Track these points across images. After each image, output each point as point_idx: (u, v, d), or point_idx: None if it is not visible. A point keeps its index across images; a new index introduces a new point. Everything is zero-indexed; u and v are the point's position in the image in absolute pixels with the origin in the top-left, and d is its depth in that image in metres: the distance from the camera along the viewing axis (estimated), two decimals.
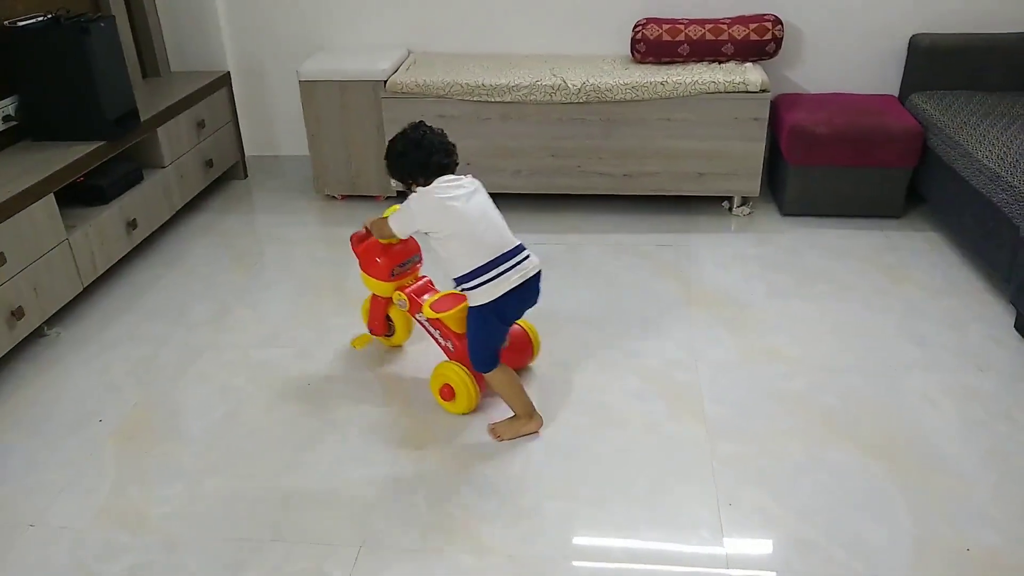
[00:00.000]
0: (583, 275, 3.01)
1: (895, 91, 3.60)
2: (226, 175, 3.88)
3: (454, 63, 3.52)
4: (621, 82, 3.21)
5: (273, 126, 4.06)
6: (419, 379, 2.43)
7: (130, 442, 2.22)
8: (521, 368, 2.43)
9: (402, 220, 2.20)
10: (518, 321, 2.31)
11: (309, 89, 3.44)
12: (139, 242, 3.13)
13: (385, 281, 2.38)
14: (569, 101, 3.25)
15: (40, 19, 2.82)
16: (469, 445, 2.17)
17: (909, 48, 3.48)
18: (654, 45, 3.36)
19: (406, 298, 2.36)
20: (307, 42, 3.83)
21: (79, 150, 2.81)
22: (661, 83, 3.19)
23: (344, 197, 3.68)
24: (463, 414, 2.28)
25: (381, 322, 2.54)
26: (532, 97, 3.26)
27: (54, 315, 2.69)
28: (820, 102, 3.41)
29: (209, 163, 3.63)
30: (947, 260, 3.04)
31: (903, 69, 3.55)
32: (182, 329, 2.75)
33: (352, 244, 2.42)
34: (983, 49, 3.34)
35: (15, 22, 2.78)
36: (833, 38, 3.54)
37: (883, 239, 3.20)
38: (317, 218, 3.53)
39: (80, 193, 2.90)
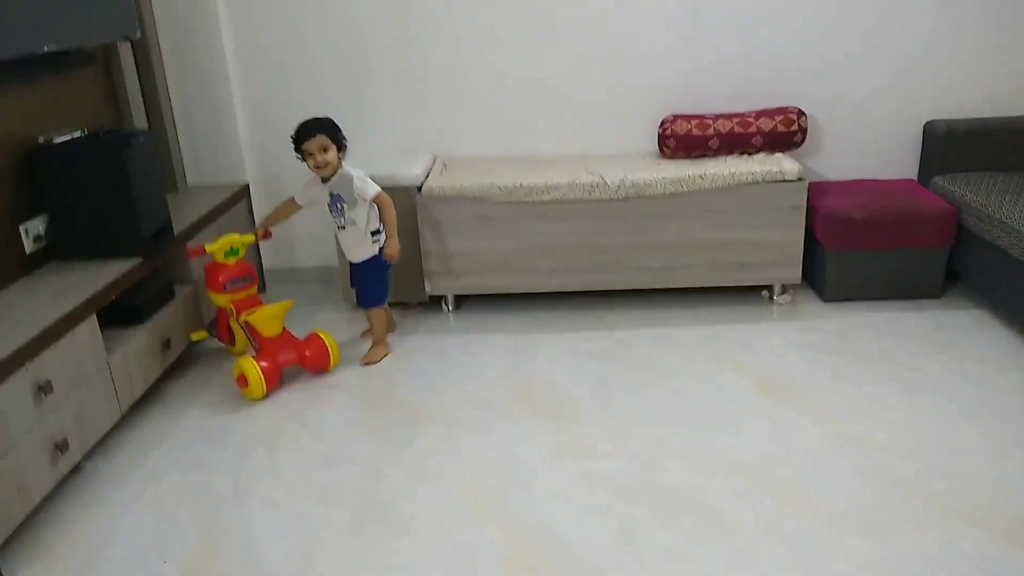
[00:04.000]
0: (641, 370, 2.93)
1: (913, 175, 3.70)
2: None
3: (485, 166, 3.52)
4: (660, 176, 3.23)
5: (291, 237, 3.96)
6: (512, 503, 2.29)
7: None
8: (322, 371, 3.03)
9: (372, 183, 2.93)
10: (320, 333, 3.00)
11: None
12: (172, 361, 2.96)
13: (219, 293, 2.97)
14: (608, 198, 3.25)
15: (77, 135, 2.73)
16: (585, 564, 2.01)
17: (924, 133, 3.60)
18: (684, 140, 3.41)
19: (232, 308, 2.98)
20: None
21: (117, 268, 2.67)
22: (700, 176, 3.22)
23: None
24: (256, 399, 2.83)
25: (225, 330, 3.13)
26: (571, 195, 3.25)
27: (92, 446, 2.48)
28: (847, 188, 3.48)
29: None
30: (1000, 336, 3.04)
31: (920, 154, 3.66)
32: (230, 453, 2.56)
33: (187, 254, 3.02)
34: (998, 132, 3.47)
35: (50, 139, 2.68)
36: (848, 126, 3.64)
37: (929, 319, 3.21)
38: (349, 329, 3.39)
39: (114, 313, 2.74)
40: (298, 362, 2.94)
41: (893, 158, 3.70)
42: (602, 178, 3.25)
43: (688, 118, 3.45)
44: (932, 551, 1.97)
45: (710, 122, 3.42)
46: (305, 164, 2.93)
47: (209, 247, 2.94)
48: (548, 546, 2.06)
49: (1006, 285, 3.03)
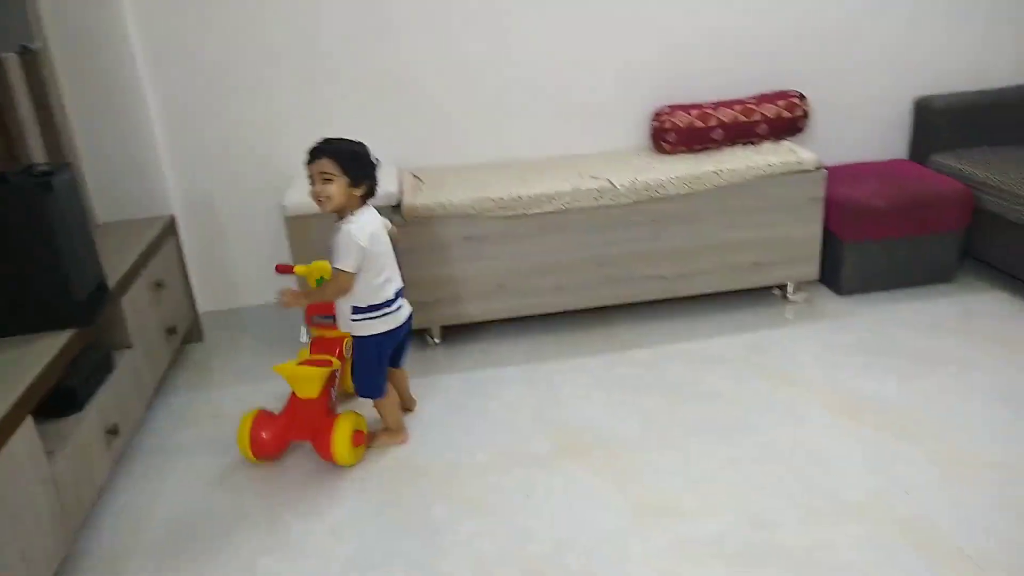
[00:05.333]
0: (686, 398, 2.58)
1: (903, 154, 3.54)
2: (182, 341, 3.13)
3: (467, 176, 3.06)
4: (672, 176, 2.89)
5: (230, 273, 3.36)
6: None
7: None
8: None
9: (350, 256, 2.16)
10: (345, 419, 2.34)
11: (299, 226, 2.82)
12: (121, 452, 2.35)
13: (307, 323, 2.55)
14: (617, 204, 2.87)
15: None
16: None
17: (916, 110, 3.44)
18: (686, 133, 3.08)
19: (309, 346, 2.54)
20: (265, 173, 3.21)
21: (48, 346, 2.05)
22: (715, 172, 2.90)
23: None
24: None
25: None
26: (576, 204, 2.85)
27: None
28: (851, 174, 3.26)
29: (172, 331, 2.89)
30: None
31: (910, 132, 3.50)
32: (226, 563, 2.01)
33: (276, 270, 2.58)
34: (991, 106, 3.34)
35: None
36: (837, 107, 3.42)
37: (955, 306, 3.03)
38: None
39: (43, 403, 2.11)
40: (309, 440, 2.38)
41: (884, 138, 3.52)
42: (609, 181, 2.87)
43: (687, 108, 3.12)
44: None
45: (711, 111, 3.10)
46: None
47: (299, 269, 2.52)
48: None
49: None
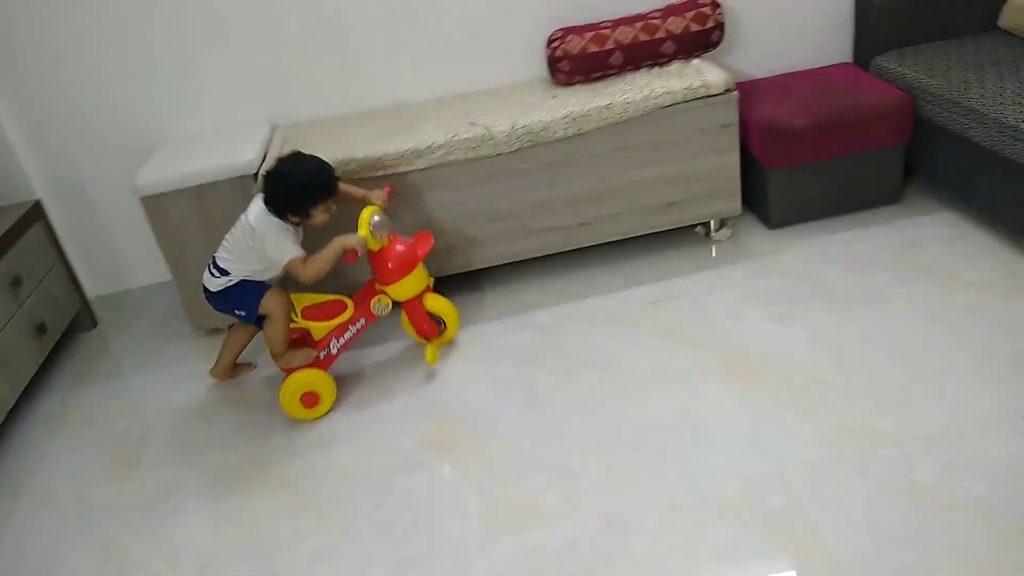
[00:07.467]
0: (578, 370, 2.34)
1: (848, 57, 3.13)
2: (70, 331, 2.96)
3: (339, 132, 2.76)
4: (557, 116, 2.56)
5: (115, 253, 3.15)
6: None
7: None
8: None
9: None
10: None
11: (156, 205, 2.59)
12: None
13: (401, 279, 2.39)
14: (498, 152, 2.57)
15: None
16: None
17: (857, 6, 3.01)
18: (580, 60, 2.73)
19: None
20: (134, 141, 2.94)
21: None
22: (607, 106, 2.56)
23: (233, 326, 2.83)
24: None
25: (430, 321, 2.51)
26: (452, 157, 2.55)
27: None
28: (779, 87, 2.89)
29: (41, 328, 2.71)
30: (983, 246, 2.55)
31: (853, 31, 3.07)
32: None
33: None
34: None
35: None
36: (767, 8, 3.00)
37: (897, 234, 2.70)
38: (206, 365, 2.67)
39: None
40: None
41: (823, 40, 3.10)
42: (488, 129, 2.55)
43: (580, 31, 2.75)
44: None
45: (608, 32, 2.72)
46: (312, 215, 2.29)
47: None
48: None
49: (982, 184, 2.54)
